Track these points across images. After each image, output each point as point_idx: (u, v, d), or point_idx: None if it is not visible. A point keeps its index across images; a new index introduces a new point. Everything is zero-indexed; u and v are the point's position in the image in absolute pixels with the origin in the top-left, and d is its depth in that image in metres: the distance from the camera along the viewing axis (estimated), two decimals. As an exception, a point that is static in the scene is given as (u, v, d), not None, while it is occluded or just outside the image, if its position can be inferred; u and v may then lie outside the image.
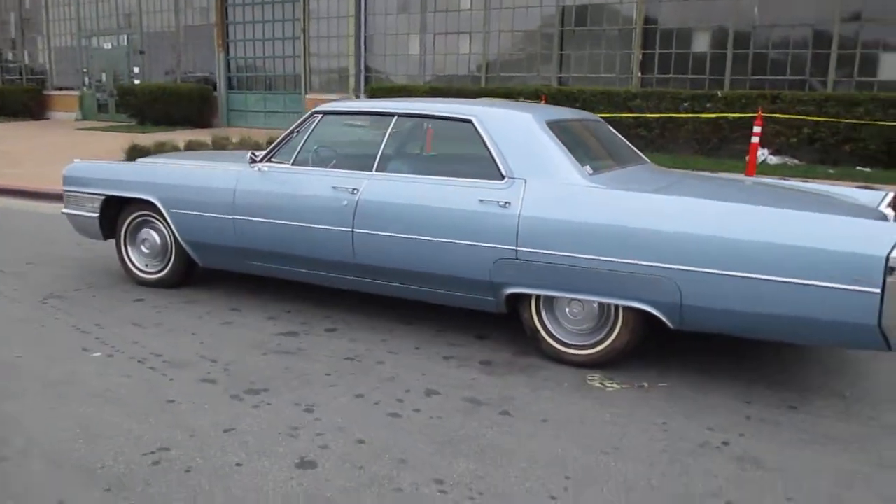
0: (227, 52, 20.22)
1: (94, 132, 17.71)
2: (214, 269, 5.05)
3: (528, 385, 3.56)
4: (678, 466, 2.82)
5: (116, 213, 5.22)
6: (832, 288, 3.16)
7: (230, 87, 20.36)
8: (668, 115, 12.83)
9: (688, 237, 3.39)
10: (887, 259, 3.06)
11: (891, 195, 4.48)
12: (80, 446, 2.85)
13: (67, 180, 5.31)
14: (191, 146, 11.93)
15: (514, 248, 3.74)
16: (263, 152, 4.63)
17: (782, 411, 3.34)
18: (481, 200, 3.83)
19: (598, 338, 3.75)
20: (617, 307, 3.66)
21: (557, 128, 4.03)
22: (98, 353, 3.86)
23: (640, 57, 14.34)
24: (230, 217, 4.58)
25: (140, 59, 21.76)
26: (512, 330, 4.27)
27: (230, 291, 5.04)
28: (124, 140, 13.04)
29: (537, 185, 3.75)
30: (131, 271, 5.21)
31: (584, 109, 13.28)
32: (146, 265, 5.18)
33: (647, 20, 14.22)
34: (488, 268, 3.82)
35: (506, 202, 3.77)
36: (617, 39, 14.64)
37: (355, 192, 4.16)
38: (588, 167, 3.84)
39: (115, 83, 21.84)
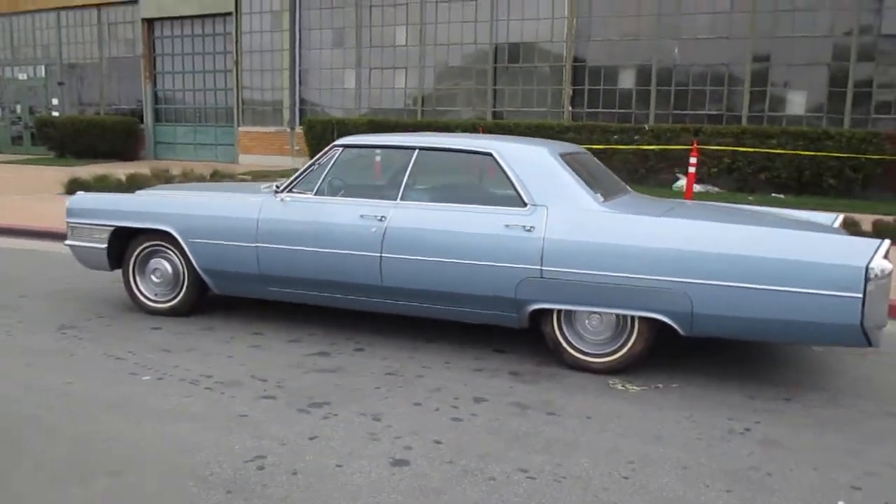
0: (155, 84, 20.01)
1: (12, 165, 17.12)
2: (221, 297, 5.23)
3: (560, 390, 3.96)
4: (715, 449, 3.27)
5: (124, 244, 5.32)
6: (822, 294, 3.72)
7: (157, 119, 20.12)
8: (602, 146, 13.63)
9: (698, 254, 3.90)
10: (867, 269, 3.65)
11: (841, 217, 5.17)
12: (181, 458, 3.04)
13: (72, 212, 5.39)
14: (134, 180, 11.84)
15: (539, 267, 4.15)
16: (285, 183, 4.88)
17: (780, 403, 3.86)
18: (507, 226, 4.24)
19: (616, 346, 4.20)
20: (633, 318, 4.12)
21: (566, 160, 4.50)
22: (147, 377, 4.01)
23: (571, 92, 15.20)
24: (253, 245, 4.80)
25: (59, 91, 21.18)
26: (527, 343, 4.67)
27: (243, 317, 5.23)
28: (54, 174, 12.77)
29: (558, 211, 4.19)
30: (140, 301, 5.32)
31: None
32: (155, 294, 5.30)
33: (576, 58, 15.11)
34: (514, 286, 4.21)
35: (531, 227, 4.18)
36: (548, 75, 15.46)
37: (383, 219, 4.48)
38: (599, 195, 4.32)
39: (32, 115, 21.16)
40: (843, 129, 12.64)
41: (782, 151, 12.54)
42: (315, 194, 4.76)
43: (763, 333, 3.99)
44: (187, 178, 12.71)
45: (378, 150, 4.98)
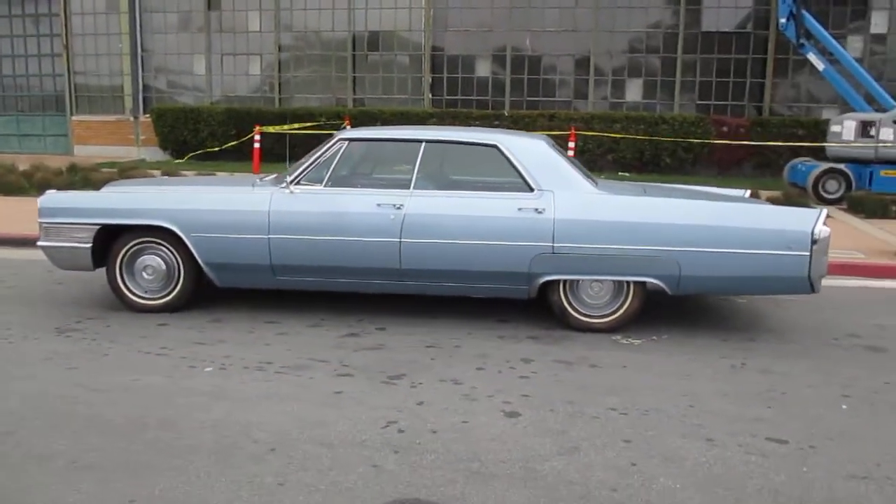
0: (-35, 69, 18.04)
1: None
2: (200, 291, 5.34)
3: (583, 348, 4.63)
4: (733, 380, 4.10)
5: (107, 243, 5.24)
6: (779, 254, 4.69)
7: (-30, 107, 18.18)
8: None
9: (684, 227, 4.73)
10: (812, 233, 4.66)
11: (749, 191, 6.30)
12: (320, 432, 3.33)
13: (46, 212, 5.20)
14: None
15: (550, 244, 4.78)
16: (292, 176, 5.07)
17: (748, 342, 4.81)
18: (520, 209, 4.81)
19: (615, 308, 4.94)
20: (630, 283, 4.88)
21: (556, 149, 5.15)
22: (209, 368, 4.15)
23: (430, 80, 15.88)
24: (264, 237, 4.97)
25: None
26: (524, 312, 5.29)
27: (241, 308, 5.35)
28: None
29: (563, 195, 4.83)
30: (129, 299, 5.26)
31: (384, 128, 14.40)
32: (146, 291, 5.27)
33: (434, 47, 15.80)
34: (528, 262, 4.81)
35: (542, 209, 4.79)
36: (408, 64, 16.02)
37: (401, 207, 4.87)
38: (590, 180, 5.02)
39: None
40: (676, 114, 14.43)
41: (624, 136, 14.06)
42: (325, 186, 5.02)
43: (733, 288, 4.92)
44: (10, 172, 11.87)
45: (383, 143, 5.30)
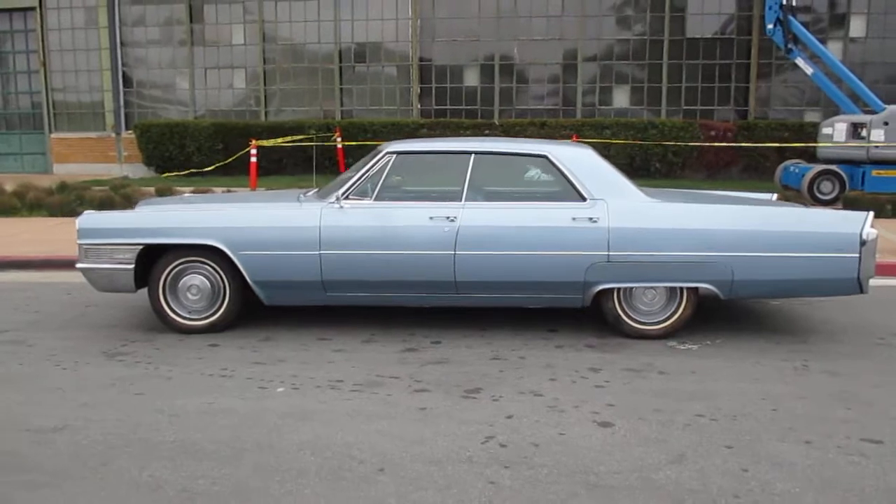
0: (-62, 87, 17.55)
1: None
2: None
3: (644, 355, 4.66)
4: (802, 382, 4.16)
5: (149, 263, 5.14)
6: (829, 256, 4.78)
7: (-58, 126, 17.68)
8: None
9: (736, 232, 4.79)
10: (860, 234, 4.76)
11: (776, 195, 6.41)
12: (421, 450, 3.29)
13: (86, 233, 5.09)
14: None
15: (606, 253, 4.81)
16: (339, 191, 5.02)
17: (801, 345, 4.88)
18: (574, 218, 4.84)
19: (668, 314, 4.98)
20: (683, 289, 4.93)
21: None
22: (281, 389, 4.08)
23: (419, 90, 15.89)
24: (316, 253, 4.92)
25: None
26: (571, 320, 5.31)
27: (294, 325, 5.29)
28: None
29: (616, 204, 4.87)
30: (172, 320, 5.16)
31: (374, 140, 14.45)
32: (189, 312, 5.18)
33: (422, 58, 15.82)
34: (584, 271, 4.83)
35: (596, 218, 4.82)
36: (395, 74, 16.01)
37: (453, 220, 4.86)
38: (639, 188, 5.07)
39: None
40: (665, 119, 14.64)
41: (615, 141, 14.22)
42: (374, 200, 4.99)
43: (783, 291, 5.00)
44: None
45: (432, 156, 5.27)
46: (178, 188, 12.37)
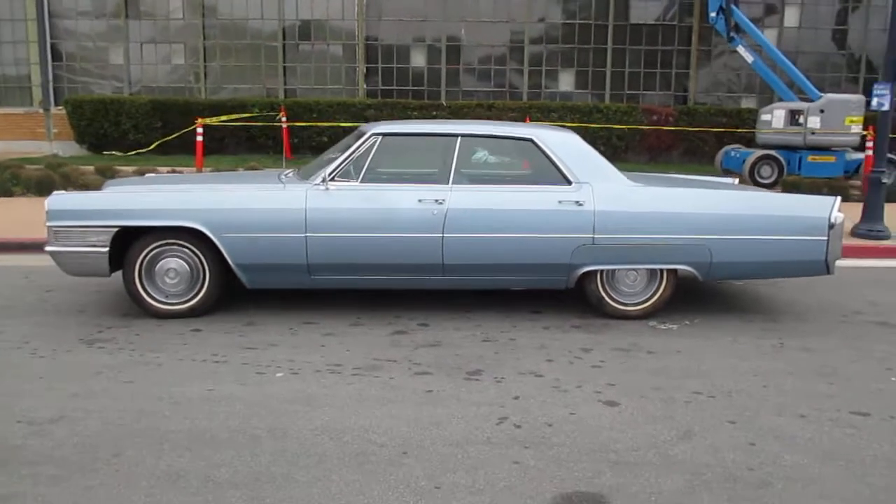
0: None
1: None
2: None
3: (630, 334, 4.79)
4: (784, 357, 4.36)
5: (124, 246, 4.97)
6: (800, 239, 5.01)
7: None
8: (405, 122, 14.37)
9: (715, 216, 4.96)
10: (829, 218, 5.00)
11: (737, 179, 6.66)
12: (439, 432, 3.31)
13: (56, 214, 4.86)
14: None
15: (591, 235, 4.90)
16: (324, 173, 4.94)
17: (771, 323, 5.11)
18: (560, 201, 4.91)
19: (648, 295, 5.13)
20: (663, 271, 5.08)
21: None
22: (280, 374, 4.02)
23: (365, 70, 15.70)
24: (302, 235, 4.85)
25: None
26: (553, 302, 5.41)
27: (277, 309, 5.20)
28: None
29: (601, 187, 4.96)
30: (150, 305, 5.01)
31: (321, 119, 14.25)
32: (167, 297, 5.03)
33: (368, 37, 15.62)
34: (570, 253, 4.92)
35: (582, 201, 4.90)
36: (341, 53, 15.76)
37: (442, 202, 4.86)
38: (622, 172, 5.18)
39: None
40: (609, 104, 14.91)
41: (563, 125, 14.42)
42: (361, 182, 4.94)
43: (756, 273, 5.21)
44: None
45: (418, 138, 5.23)
46: (119, 168, 11.92)
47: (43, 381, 3.90)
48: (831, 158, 11.70)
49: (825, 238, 4.99)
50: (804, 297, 5.84)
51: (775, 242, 4.99)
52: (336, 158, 5.03)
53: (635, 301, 5.13)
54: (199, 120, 11.83)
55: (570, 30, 15.37)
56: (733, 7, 12.50)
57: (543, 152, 5.02)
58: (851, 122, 11.48)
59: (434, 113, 14.61)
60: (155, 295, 5.02)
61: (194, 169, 11.52)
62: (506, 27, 15.42)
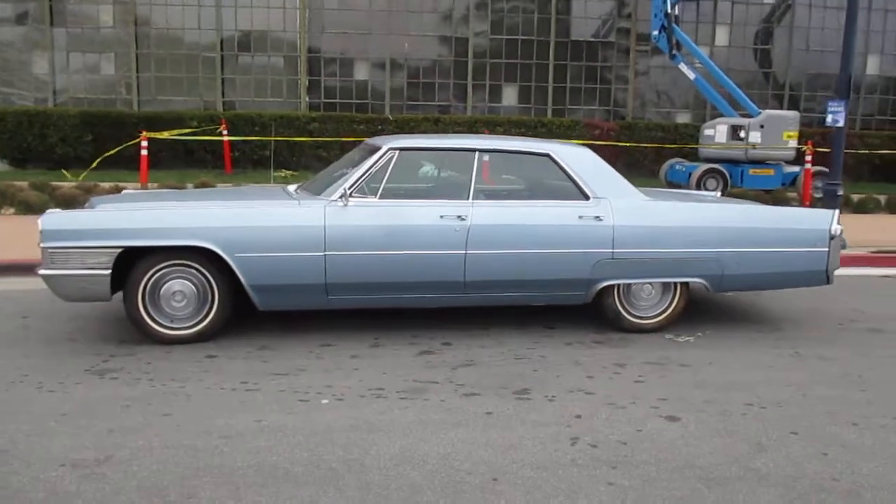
0: None
1: None
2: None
3: (655, 348, 4.84)
4: (807, 366, 4.50)
5: (125, 268, 4.66)
6: (803, 251, 5.21)
7: None
8: (351, 138, 14.20)
9: (726, 229, 5.09)
10: (829, 230, 5.21)
11: (720, 192, 6.87)
12: (519, 455, 3.23)
13: (51, 235, 4.51)
14: None
15: (611, 250, 4.94)
16: (342, 189, 4.77)
17: (782, 333, 5.28)
18: (580, 216, 4.92)
19: (662, 308, 5.20)
20: (677, 283, 5.16)
21: (596, 158, 5.32)
22: (326, 401, 3.84)
23: (307, 83, 15.43)
24: (321, 254, 4.67)
25: None
26: (567, 316, 5.41)
27: (290, 333, 4.99)
28: None
29: (618, 202, 5.01)
30: (154, 330, 4.71)
31: (263, 133, 13.93)
32: (172, 321, 4.75)
33: (310, 49, 15.37)
34: (590, 268, 4.93)
35: (601, 216, 4.93)
36: (282, 66, 15.44)
37: (464, 218, 4.79)
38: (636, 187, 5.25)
39: None
40: (553, 118, 15.17)
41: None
42: (379, 198, 4.81)
43: (762, 284, 5.37)
44: None
45: (436, 153, 5.13)
46: (55, 184, 11.25)
47: (67, 417, 3.59)
48: (770, 171, 12.27)
49: (826, 249, 5.20)
50: (792, 306, 6.06)
51: (781, 254, 5.16)
52: (351, 174, 4.88)
53: (650, 314, 5.19)
54: (145, 133, 11.35)
55: (514, 45, 15.58)
56: (675, 26, 12.96)
57: (561, 167, 5.03)
58: (789, 136, 12.07)
59: (380, 127, 14.46)
60: (159, 319, 4.73)
61: (139, 185, 11.02)
62: (449, 42, 15.48)
